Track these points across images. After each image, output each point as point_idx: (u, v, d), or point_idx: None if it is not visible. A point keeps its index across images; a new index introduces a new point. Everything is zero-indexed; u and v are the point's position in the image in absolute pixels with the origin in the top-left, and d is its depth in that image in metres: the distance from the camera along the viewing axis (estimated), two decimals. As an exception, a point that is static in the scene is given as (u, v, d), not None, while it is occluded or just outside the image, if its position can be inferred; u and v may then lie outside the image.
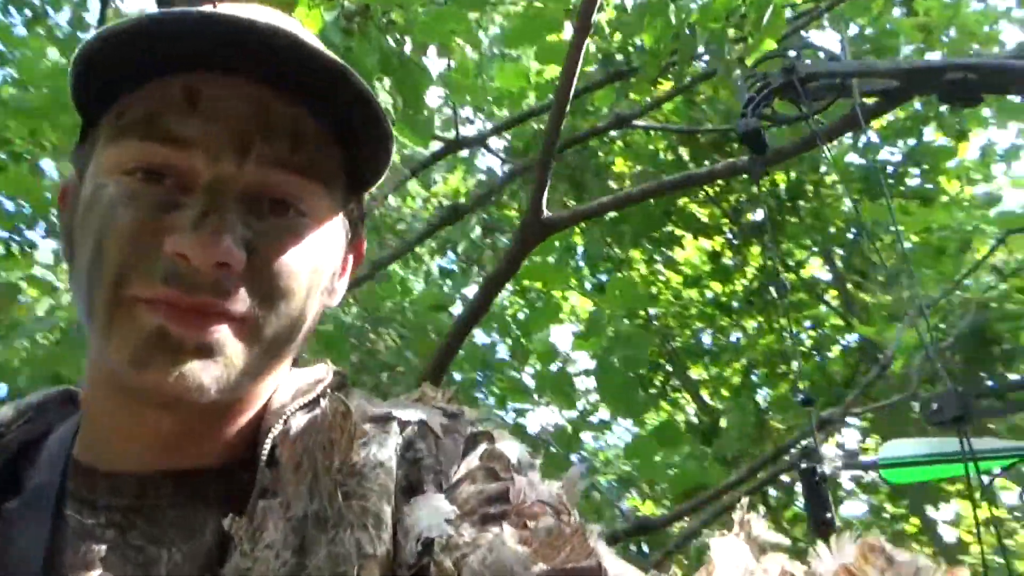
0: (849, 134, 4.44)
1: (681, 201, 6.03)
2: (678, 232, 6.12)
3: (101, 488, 0.70)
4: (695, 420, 6.22)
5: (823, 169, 5.81)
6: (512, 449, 0.74)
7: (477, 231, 4.85)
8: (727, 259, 6.43)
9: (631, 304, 3.13)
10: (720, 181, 6.38)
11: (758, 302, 6.31)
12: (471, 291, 3.99)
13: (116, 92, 0.70)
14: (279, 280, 0.69)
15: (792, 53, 2.22)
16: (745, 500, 0.64)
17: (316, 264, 0.72)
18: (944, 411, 1.70)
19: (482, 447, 0.74)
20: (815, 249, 6.26)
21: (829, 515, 1.71)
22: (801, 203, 5.93)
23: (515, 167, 3.71)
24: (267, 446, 0.71)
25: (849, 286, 5.71)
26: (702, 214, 6.42)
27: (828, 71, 2.22)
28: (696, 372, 6.50)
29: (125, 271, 0.66)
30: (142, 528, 0.69)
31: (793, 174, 5.99)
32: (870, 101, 2.18)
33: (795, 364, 5.22)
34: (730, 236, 6.24)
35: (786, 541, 0.56)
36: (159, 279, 0.65)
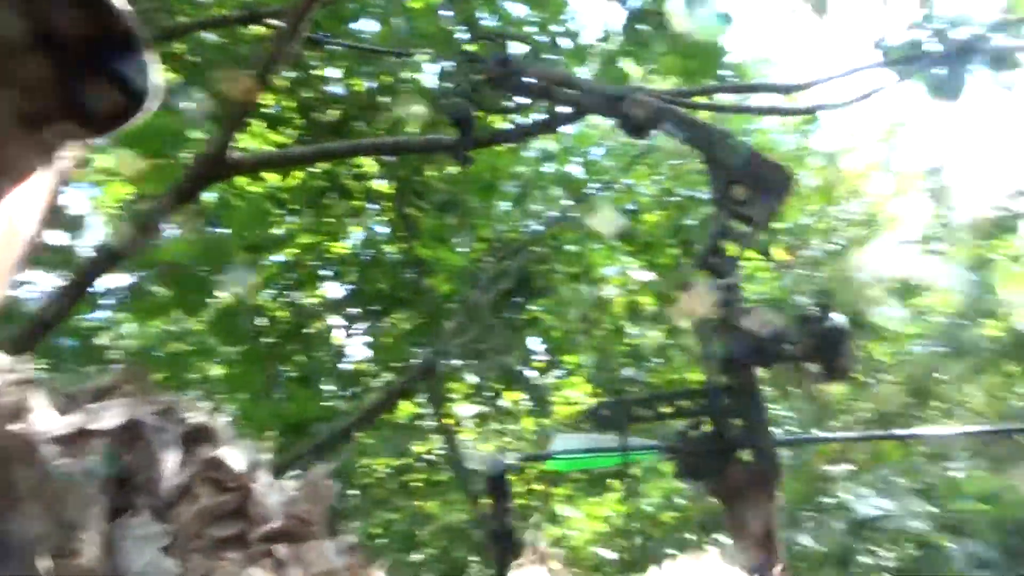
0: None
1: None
2: (255, 125, 5.79)
3: None
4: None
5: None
6: (236, 452, 0.65)
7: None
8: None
9: (252, 225, 2.93)
10: (296, 71, 6.20)
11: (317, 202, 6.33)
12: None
13: None
14: None
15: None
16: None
17: (10, 235, 0.56)
18: (609, 417, 2.00)
19: (201, 452, 0.64)
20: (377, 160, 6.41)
21: (509, 505, 1.90)
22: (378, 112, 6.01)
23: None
24: None
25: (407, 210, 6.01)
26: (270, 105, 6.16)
27: (536, 73, 2.32)
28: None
29: None
30: None
31: (376, 83, 6.02)
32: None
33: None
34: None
35: None
36: None
